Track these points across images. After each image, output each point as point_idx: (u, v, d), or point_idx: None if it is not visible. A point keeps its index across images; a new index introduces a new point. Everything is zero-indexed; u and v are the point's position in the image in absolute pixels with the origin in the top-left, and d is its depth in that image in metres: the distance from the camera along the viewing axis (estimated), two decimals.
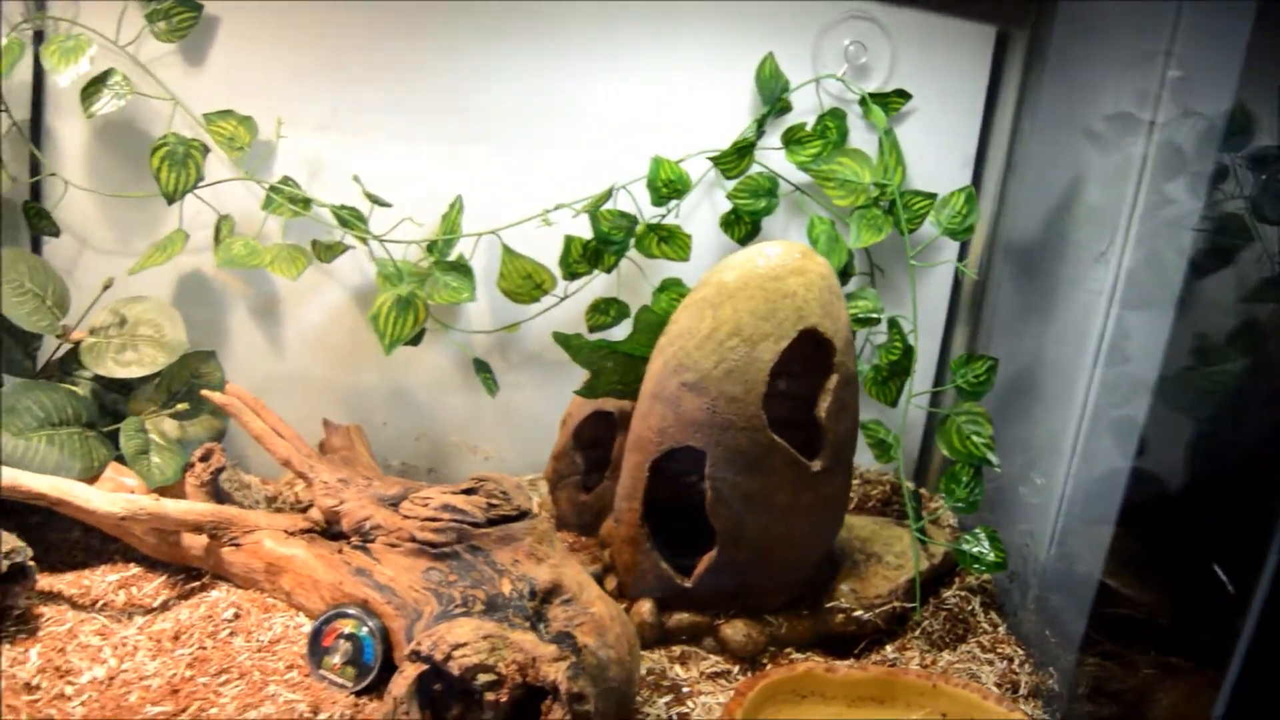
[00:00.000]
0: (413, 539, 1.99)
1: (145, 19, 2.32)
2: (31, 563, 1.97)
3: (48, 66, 2.25)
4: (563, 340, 2.12)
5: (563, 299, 2.47)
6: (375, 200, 2.34)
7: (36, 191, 2.50)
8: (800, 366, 2.01)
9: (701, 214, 2.52)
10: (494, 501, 1.99)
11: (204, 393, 2.23)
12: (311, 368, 2.64)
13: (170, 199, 2.32)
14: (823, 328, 1.97)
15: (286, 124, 2.43)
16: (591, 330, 2.51)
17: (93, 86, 2.30)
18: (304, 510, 2.29)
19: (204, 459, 2.23)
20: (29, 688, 1.85)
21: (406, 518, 2.02)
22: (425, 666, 1.70)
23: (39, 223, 2.45)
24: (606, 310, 2.48)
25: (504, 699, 1.67)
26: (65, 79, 2.24)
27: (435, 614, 1.85)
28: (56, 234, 2.46)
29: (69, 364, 2.38)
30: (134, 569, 2.24)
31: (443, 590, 1.91)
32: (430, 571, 1.95)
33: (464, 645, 1.68)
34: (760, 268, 1.97)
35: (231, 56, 2.44)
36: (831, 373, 2.01)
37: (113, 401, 2.35)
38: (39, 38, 2.37)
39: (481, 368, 2.50)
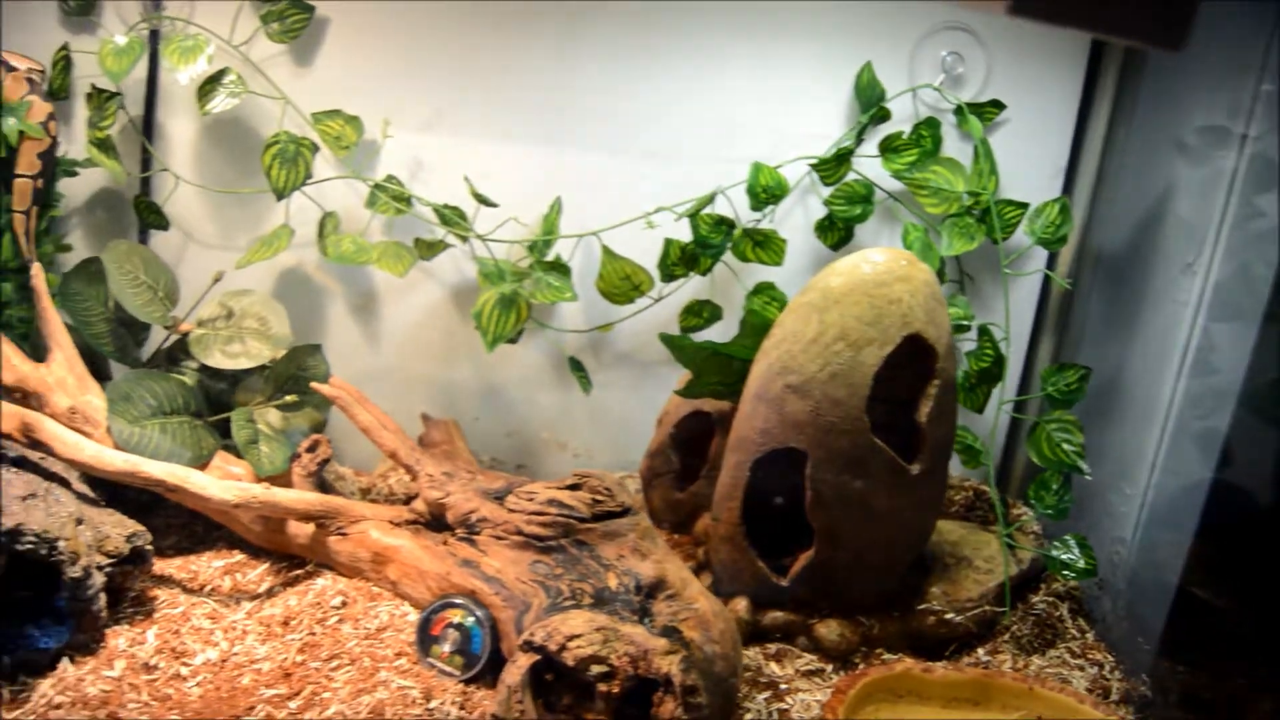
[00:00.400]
0: (519, 532, 2.03)
1: (260, 20, 2.39)
2: (149, 547, 2.03)
3: (167, 65, 2.32)
4: (669, 341, 2.16)
5: (656, 301, 2.50)
6: (483, 200, 2.38)
7: (145, 186, 2.56)
8: (898, 371, 2.04)
9: (793, 220, 2.55)
10: (598, 497, 2.03)
11: (314, 385, 2.29)
12: (405, 363, 2.70)
13: (279, 195, 2.38)
14: (926, 334, 2.00)
15: (390, 124, 2.48)
16: (683, 331, 2.55)
17: (209, 85, 2.36)
18: (405, 502, 2.34)
19: (310, 450, 2.28)
20: (147, 668, 1.91)
21: (512, 511, 2.07)
22: (538, 657, 1.74)
23: (148, 216, 2.51)
24: (700, 312, 2.52)
25: (615, 690, 1.71)
26: (184, 77, 2.30)
27: (544, 606, 1.89)
28: (165, 227, 2.53)
29: (175, 354, 2.44)
30: (238, 555, 2.29)
31: (550, 583, 1.95)
32: (537, 564, 1.99)
33: (578, 637, 1.72)
34: (866, 274, 2.00)
35: (338, 57, 2.50)
36: (933, 378, 2.04)
37: (216, 392, 2.40)
38: (154, 37, 2.43)
39: (576, 366, 2.55)
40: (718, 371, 2.18)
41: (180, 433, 2.24)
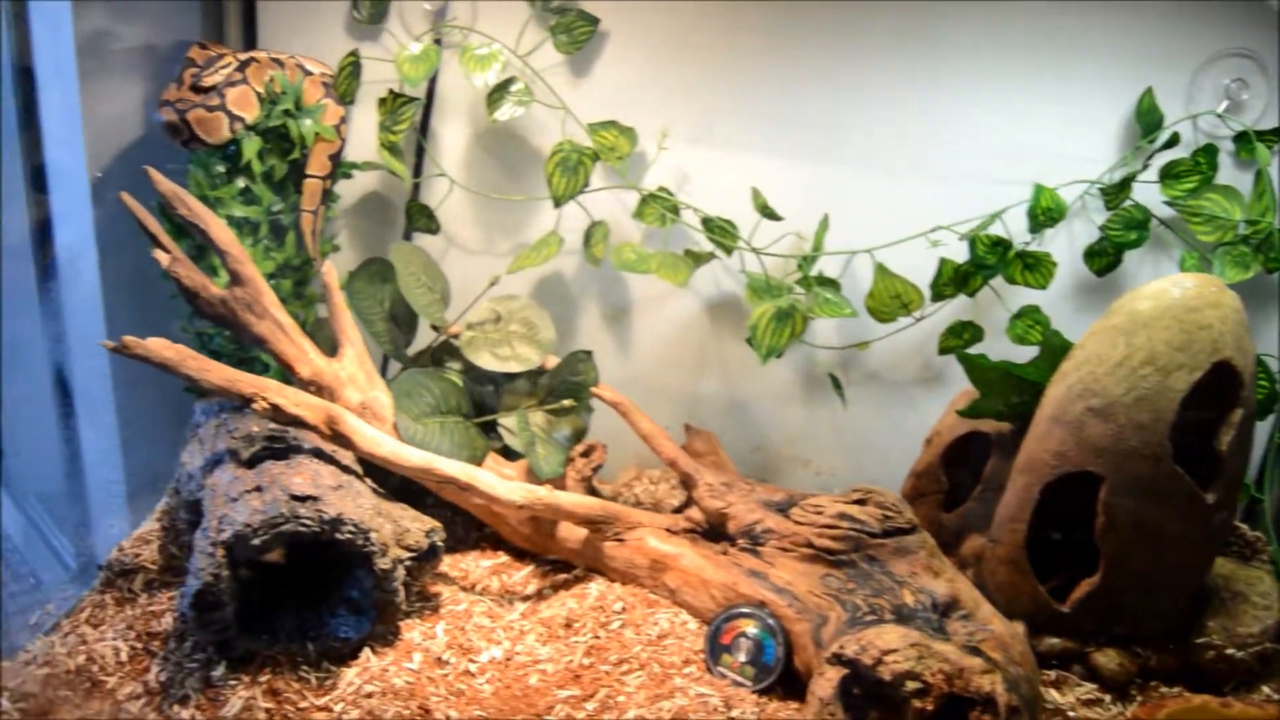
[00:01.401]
0: (809, 545, 2.03)
1: (549, 30, 2.42)
2: (441, 543, 2.05)
3: (463, 73, 2.37)
4: (965, 359, 2.14)
5: (917, 320, 2.49)
6: (769, 213, 2.39)
7: (415, 190, 2.61)
8: (1195, 397, 2.00)
9: (1054, 243, 2.52)
10: (888, 513, 2.02)
11: (596, 390, 2.31)
12: (654, 373, 2.71)
13: (557, 203, 2.41)
14: (1235, 361, 1.96)
15: (657, 134, 2.50)
16: (941, 352, 2.53)
17: (497, 93, 2.40)
18: (678, 510, 2.35)
19: (585, 454, 2.30)
20: (440, 662, 1.94)
21: (799, 524, 2.06)
22: (848, 670, 1.74)
23: (419, 220, 2.57)
24: (961, 333, 2.50)
25: (929, 707, 1.69)
26: (477, 83, 2.35)
27: (844, 620, 1.88)
28: (436, 231, 2.58)
29: (440, 355, 2.48)
30: (503, 556, 2.32)
31: (844, 597, 1.94)
32: (827, 578, 1.99)
33: (894, 651, 1.71)
34: (1176, 298, 1.96)
35: (614, 68, 2.53)
36: (1237, 406, 2.00)
37: (479, 394, 2.44)
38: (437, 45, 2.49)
39: (835, 383, 2.54)
40: (1006, 393, 2.16)
41: (457, 431, 2.27)
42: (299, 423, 2.01)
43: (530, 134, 2.55)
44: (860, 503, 2.05)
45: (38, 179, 2.37)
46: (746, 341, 2.36)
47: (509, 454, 2.37)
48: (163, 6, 2.42)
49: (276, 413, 1.99)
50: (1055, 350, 2.08)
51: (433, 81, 2.54)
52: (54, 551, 2.84)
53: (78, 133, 2.27)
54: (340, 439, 2.04)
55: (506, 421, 2.35)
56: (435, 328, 2.44)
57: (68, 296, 2.38)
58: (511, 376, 2.39)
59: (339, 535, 1.84)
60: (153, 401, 2.40)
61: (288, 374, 2.18)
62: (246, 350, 2.33)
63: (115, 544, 2.24)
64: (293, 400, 2.00)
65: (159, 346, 1.96)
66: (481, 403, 2.42)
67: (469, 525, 2.38)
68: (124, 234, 2.21)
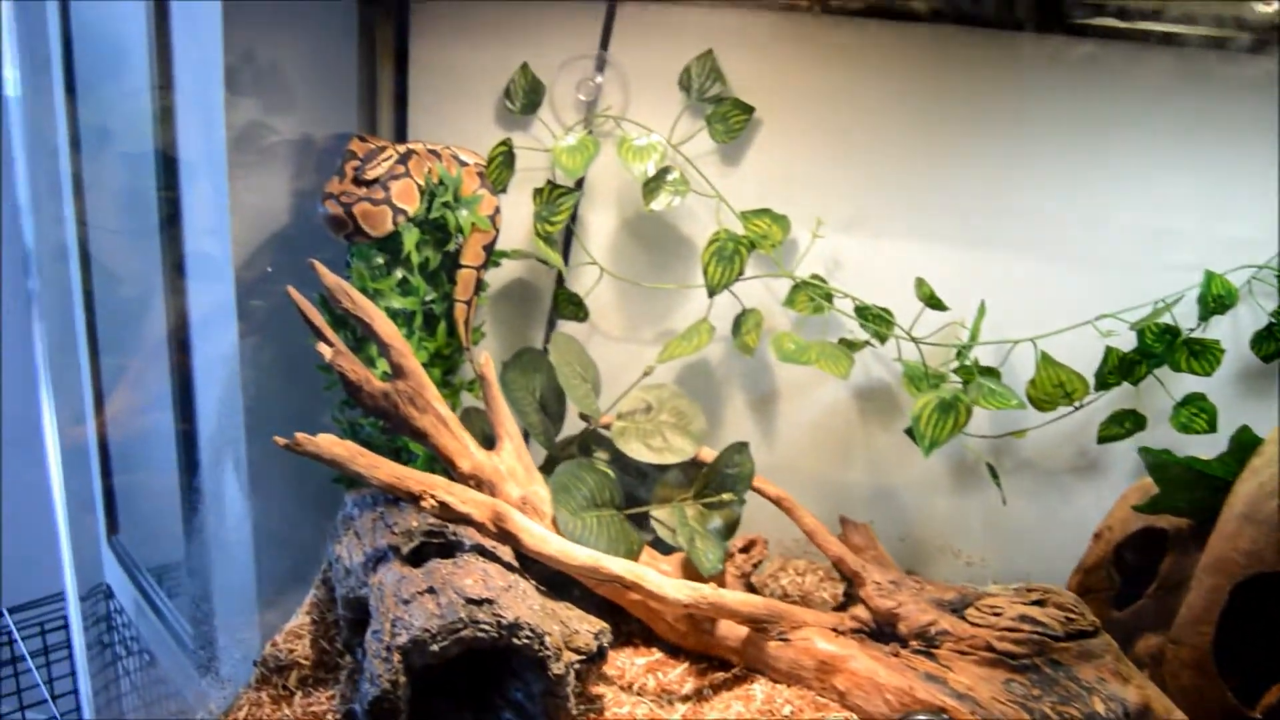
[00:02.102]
0: (989, 648, 1.96)
1: (705, 120, 2.41)
2: (608, 644, 2.00)
3: (620, 163, 2.36)
4: (1147, 453, 2.08)
5: (1077, 408, 2.42)
6: (934, 303, 2.35)
7: (560, 278, 2.60)
8: None
9: (1219, 328, 2.44)
10: (1070, 615, 1.96)
11: (758, 484, 2.27)
12: (797, 460, 2.67)
13: (712, 292, 2.38)
14: None
15: (808, 222, 2.47)
16: (1101, 440, 2.46)
17: (653, 183, 2.39)
18: (838, 607, 2.29)
19: (744, 550, 2.26)
20: None
21: (977, 625, 2.00)
22: None
23: (567, 308, 2.55)
24: (1123, 421, 2.43)
25: None
26: (635, 174, 2.34)
27: None
28: (585, 319, 2.56)
29: (587, 445, 2.45)
30: (656, 653, 2.27)
31: (1031, 705, 1.87)
32: (1011, 684, 1.92)
33: None
34: None
35: (765, 155, 2.50)
36: None
37: (626, 485, 2.40)
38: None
39: (993, 474, 2.48)
40: (1189, 488, 2.09)
41: (612, 526, 2.23)
42: (466, 520, 1.98)
43: (679, 221, 2.53)
44: (1039, 603, 1.99)
45: (179, 268, 2.39)
46: (905, 432, 2.32)
47: (659, 546, 2.33)
48: (315, 99, 2.44)
49: (444, 510, 1.97)
50: (1244, 445, 2.01)
51: None
52: (169, 628, 2.84)
53: (225, 223, 2.28)
54: (507, 537, 2.01)
55: (660, 514, 2.31)
56: (585, 418, 2.41)
57: (202, 375, 2.39)
58: (664, 468, 2.35)
59: (515, 640, 1.80)
60: (287, 485, 2.40)
61: (448, 468, 2.16)
62: (395, 439, 2.32)
63: (268, 639, 2.22)
64: (460, 498, 1.98)
65: (329, 444, 1.95)
66: (631, 494, 2.38)
67: (616, 617, 2.33)
68: (264, 321, 2.23)
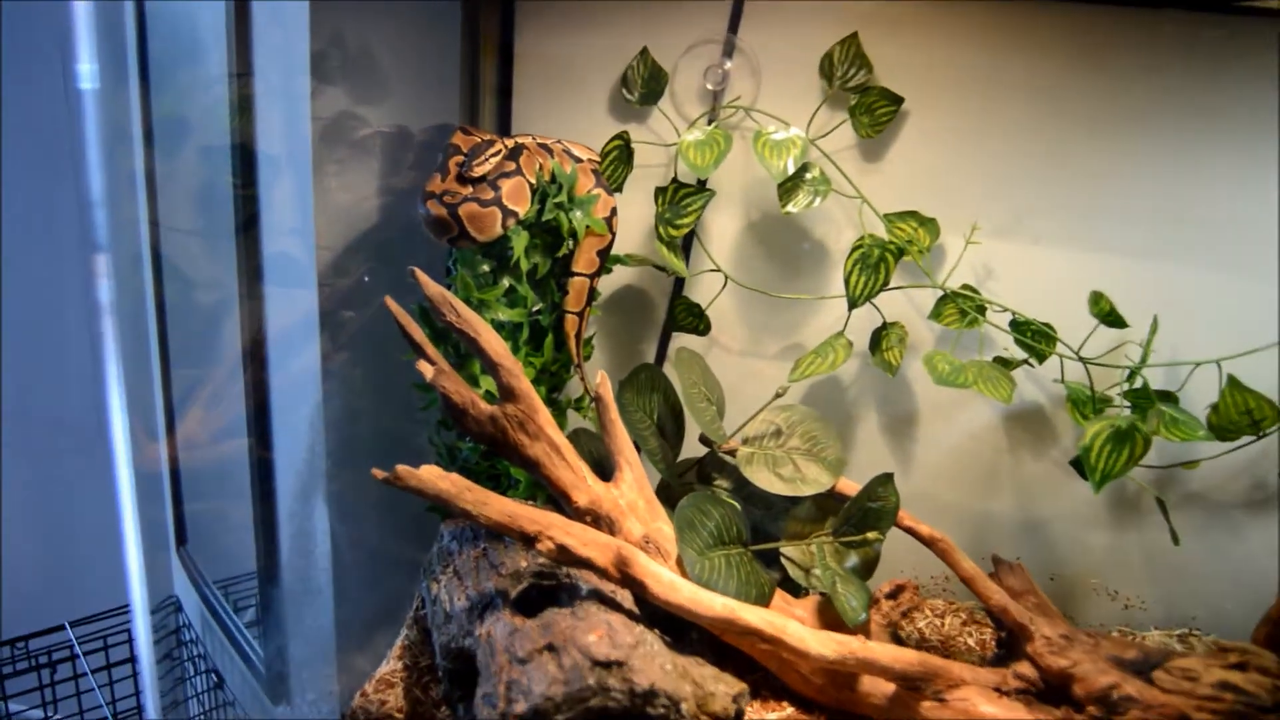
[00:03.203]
0: (1184, 719, 1.70)
1: (849, 112, 2.16)
2: (746, 706, 1.77)
3: (758, 159, 2.11)
4: None
5: (1259, 437, 2.15)
6: (1112, 320, 2.08)
7: (678, 286, 2.36)
8: None
9: None
10: (1278, 682, 1.70)
11: (911, 525, 2.01)
12: (937, 490, 2.41)
13: (854, 304, 2.13)
14: None
15: (958, 226, 2.21)
16: None
17: (791, 182, 2.14)
18: (995, 661, 2.03)
19: (890, 595, 2.01)
20: None
21: (1168, 691, 1.74)
22: None
23: (686, 319, 2.31)
24: None
25: None
26: (773, 171, 2.09)
27: None
28: (705, 332, 2.32)
29: (707, 473, 2.21)
30: (788, 709, 2.03)
31: None
32: None
33: None
34: None
35: (911, 152, 2.25)
36: None
37: (751, 516, 2.16)
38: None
39: (1163, 509, 2.21)
40: None
41: (742, 567, 1.99)
42: (587, 564, 1.75)
43: (811, 224, 2.28)
44: (1240, 667, 1.73)
45: (257, 273, 2.20)
46: (1071, 464, 2.06)
47: (786, 585, 2.08)
48: (411, 87, 2.21)
49: (562, 553, 1.73)
50: None
51: None
52: (238, 646, 2.65)
53: (309, 224, 2.06)
54: (631, 583, 1.76)
55: (792, 553, 2.07)
56: (707, 442, 2.16)
57: (280, 392, 2.19)
58: (796, 500, 2.10)
59: (650, 711, 1.56)
60: (374, 512, 2.19)
61: (560, 501, 1.92)
62: (496, 464, 2.09)
63: (350, 678, 2.02)
64: (580, 539, 1.74)
65: (433, 477, 1.72)
66: (755, 526, 2.14)
67: (740, 664, 2.09)
68: (351, 333, 2.01)
